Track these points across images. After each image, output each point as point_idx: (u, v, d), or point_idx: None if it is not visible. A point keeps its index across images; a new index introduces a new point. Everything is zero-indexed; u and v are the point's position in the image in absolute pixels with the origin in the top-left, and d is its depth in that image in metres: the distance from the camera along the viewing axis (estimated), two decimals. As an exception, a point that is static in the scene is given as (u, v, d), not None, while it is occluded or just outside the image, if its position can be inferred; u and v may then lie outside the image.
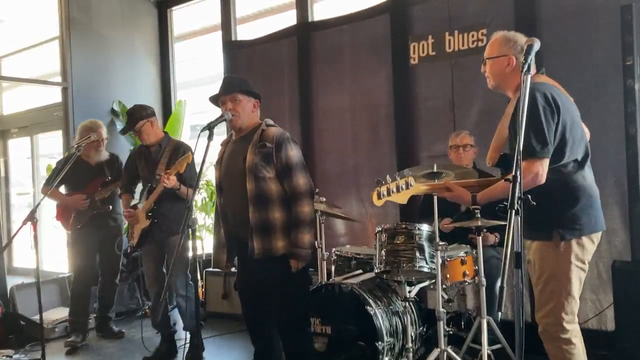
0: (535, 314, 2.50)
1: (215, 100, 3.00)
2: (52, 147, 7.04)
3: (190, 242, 2.62)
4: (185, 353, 3.91)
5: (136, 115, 3.93)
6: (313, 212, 2.89)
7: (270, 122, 2.99)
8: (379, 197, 2.32)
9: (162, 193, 3.76)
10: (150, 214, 3.85)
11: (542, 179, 2.28)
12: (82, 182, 4.47)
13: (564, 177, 2.36)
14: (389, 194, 2.39)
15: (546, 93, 2.33)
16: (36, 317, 3.89)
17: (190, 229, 2.55)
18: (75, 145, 4.17)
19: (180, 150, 3.88)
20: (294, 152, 2.88)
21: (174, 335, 4.11)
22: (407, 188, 2.42)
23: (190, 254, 4.10)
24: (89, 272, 4.57)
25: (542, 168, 2.28)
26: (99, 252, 4.62)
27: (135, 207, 3.99)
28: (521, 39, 2.50)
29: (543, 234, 2.39)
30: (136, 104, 4.03)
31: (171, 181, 3.60)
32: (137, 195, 4.19)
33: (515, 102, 2.39)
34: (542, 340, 2.44)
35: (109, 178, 4.51)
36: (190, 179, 3.82)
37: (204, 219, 5.86)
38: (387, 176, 2.51)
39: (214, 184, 3.38)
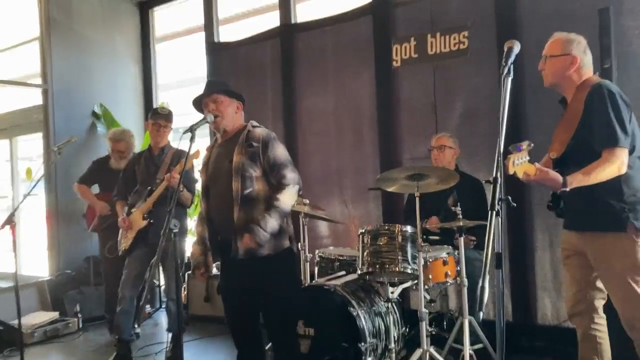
0: (621, 316, 2.43)
1: (198, 105, 2.99)
2: (31, 150, 6.94)
3: (179, 245, 2.61)
4: (166, 355, 3.90)
5: (170, 118, 4.16)
6: (290, 207, 2.86)
7: (256, 123, 3.00)
8: (513, 165, 2.17)
9: (160, 196, 3.78)
10: (146, 215, 3.86)
11: (625, 168, 2.30)
12: (112, 185, 4.57)
13: (633, 171, 2.38)
14: (519, 163, 2.22)
15: (617, 89, 2.39)
16: (15, 322, 3.83)
17: (171, 232, 2.54)
18: (56, 148, 4.22)
19: (181, 156, 3.91)
20: (281, 151, 2.90)
21: (131, 344, 4.08)
22: (523, 163, 2.27)
23: (182, 256, 4.16)
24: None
25: (625, 157, 2.31)
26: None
27: (129, 213, 4.00)
28: (583, 40, 2.54)
29: (614, 225, 2.37)
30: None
31: (175, 179, 3.59)
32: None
33: (585, 97, 2.40)
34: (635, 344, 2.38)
35: None
36: (190, 183, 3.91)
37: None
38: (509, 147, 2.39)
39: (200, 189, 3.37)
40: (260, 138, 2.86)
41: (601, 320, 2.57)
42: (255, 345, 3.02)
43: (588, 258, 2.50)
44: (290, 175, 2.86)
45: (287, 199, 2.82)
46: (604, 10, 3.44)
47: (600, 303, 2.57)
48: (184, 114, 6.40)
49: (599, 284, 2.54)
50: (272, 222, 2.76)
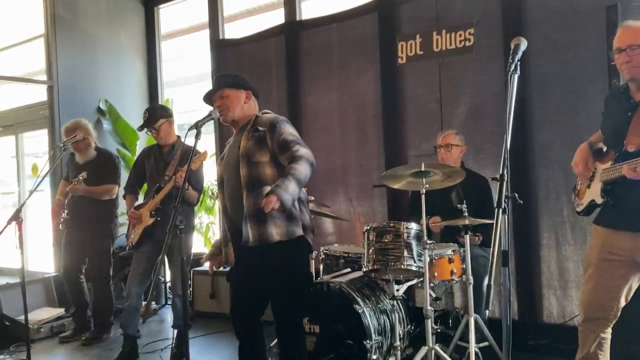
0: None
1: (209, 100, 3.00)
2: (37, 146, 6.96)
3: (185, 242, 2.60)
4: (171, 351, 3.91)
5: (156, 114, 3.97)
6: (307, 177, 2.70)
7: (267, 110, 2.98)
8: None
9: (169, 193, 3.75)
10: (154, 212, 3.84)
11: None
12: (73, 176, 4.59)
13: None
14: None
15: None
16: (21, 318, 3.85)
17: (177, 229, 2.54)
18: (61, 144, 4.21)
19: (191, 153, 3.88)
20: (290, 130, 2.82)
21: (137, 340, 4.08)
22: None
23: (188, 253, 4.15)
24: (70, 270, 4.71)
25: None
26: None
27: (139, 207, 3.99)
28: None
29: None
30: (156, 104, 4.04)
31: (182, 179, 3.57)
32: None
33: None
34: None
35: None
36: (197, 182, 3.88)
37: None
38: None
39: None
40: (267, 122, 2.82)
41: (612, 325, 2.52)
42: (257, 337, 2.99)
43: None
44: (303, 150, 2.73)
45: (303, 169, 2.65)
46: (611, 7, 3.42)
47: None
48: (190, 111, 6.43)
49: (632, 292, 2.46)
50: (293, 187, 2.59)
